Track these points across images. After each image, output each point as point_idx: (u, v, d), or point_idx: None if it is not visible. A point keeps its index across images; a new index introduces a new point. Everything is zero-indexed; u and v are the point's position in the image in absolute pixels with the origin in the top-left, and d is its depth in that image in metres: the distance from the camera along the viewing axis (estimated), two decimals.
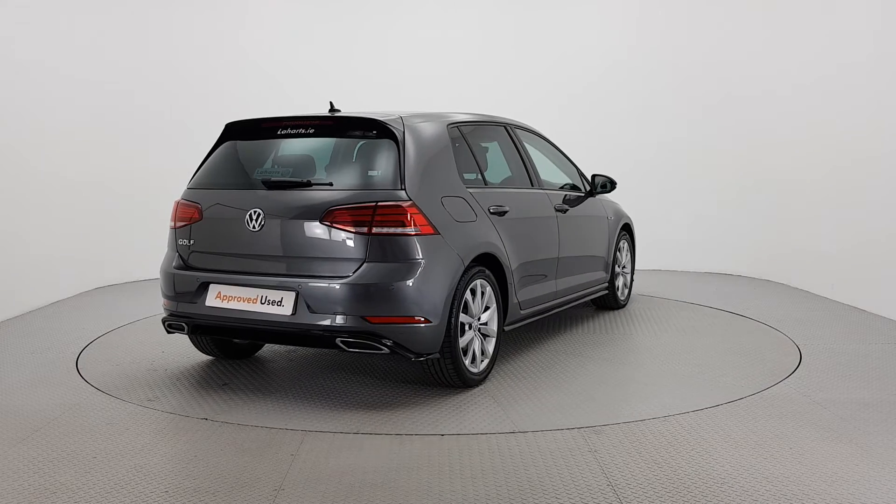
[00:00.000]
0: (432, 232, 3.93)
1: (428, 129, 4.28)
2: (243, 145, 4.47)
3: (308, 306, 3.82)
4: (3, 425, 3.67)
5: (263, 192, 4.08)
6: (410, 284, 3.81)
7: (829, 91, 6.99)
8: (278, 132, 4.30)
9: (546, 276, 5.06)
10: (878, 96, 6.27)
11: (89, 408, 3.94)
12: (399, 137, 4.04)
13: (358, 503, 2.82)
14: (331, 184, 4.02)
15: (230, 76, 8.50)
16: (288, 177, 4.16)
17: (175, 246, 4.35)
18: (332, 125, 4.29)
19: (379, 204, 3.84)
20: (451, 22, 8.96)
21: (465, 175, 4.46)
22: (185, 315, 4.21)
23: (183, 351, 5.04)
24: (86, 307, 6.70)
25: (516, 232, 4.64)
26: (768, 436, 3.46)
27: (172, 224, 4.38)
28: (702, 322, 5.96)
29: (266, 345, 5.12)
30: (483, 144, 5.02)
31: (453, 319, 3.98)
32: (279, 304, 3.89)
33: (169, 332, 4.34)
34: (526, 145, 5.34)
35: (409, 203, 3.87)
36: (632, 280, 6.74)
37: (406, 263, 3.83)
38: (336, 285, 3.78)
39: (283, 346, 5.15)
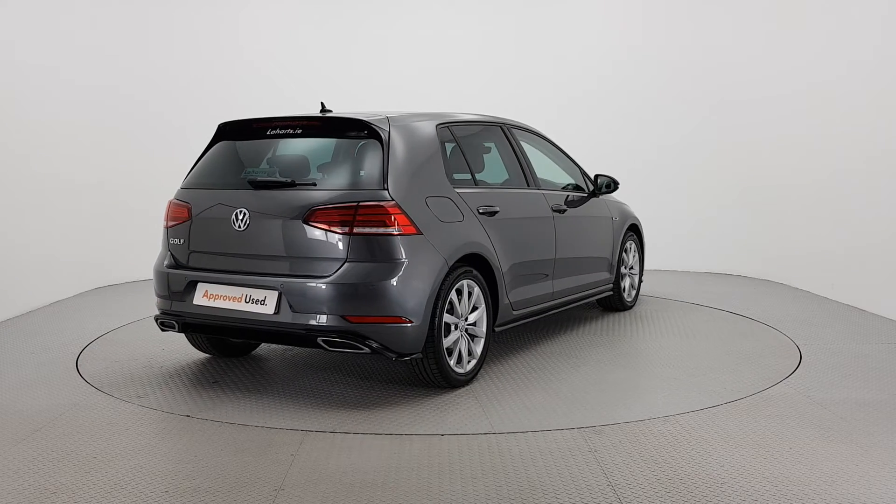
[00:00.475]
0: (415, 232, 3.92)
1: (415, 129, 4.29)
2: (234, 145, 4.51)
3: (290, 306, 3.85)
4: (3, 425, 3.67)
5: (249, 192, 4.12)
6: (391, 284, 3.81)
7: (830, 92, 6.99)
8: (268, 132, 4.34)
9: (542, 277, 5.04)
10: (878, 98, 6.28)
11: (89, 408, 3.94)
12: (384, 138, 4.05)
13: (358, 503, 2.82)
14: (314, 184, 4.05)
15: (230, 77, 8.49)
16: (273, 177, 4.22)
17: (167, 245, 4.41)
18: (320, 125, 4.31)
19: (360, 204, 3.85)
20: (451, 21, 8.96)
21: (455, 175, 4.47)
22: (176, 313, 4.26)
23: (183, 350, 5.04)
24: (86, 307, 6.70)
25: (507, 232, 4.62)
26: (768, 436, 3.46)
27: (165, 223, 4.44)
28: (702, 322, 5.96)
29: (262, 344, 5.12)
30: (476, 145, 5.02)
31: (437, 320, 3.97)
32: (262, 304, 3.92)
33: (163, 330, 4.39)
34: (524, 146, 5.32)
35: (391, 203, 3.88)
36: (640, 281, 6.66)
37: (387, 263, 3.83)
38: (317, 285, 3.81)
39: (281, 346, 5.15)
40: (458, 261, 4.16)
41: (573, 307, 5.89)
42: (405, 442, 3.43)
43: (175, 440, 3.49)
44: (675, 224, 8.61)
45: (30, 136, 6.68)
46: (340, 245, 3.83)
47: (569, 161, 5.84)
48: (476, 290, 4.31)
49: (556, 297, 5.25)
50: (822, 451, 3.28)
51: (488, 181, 4.90)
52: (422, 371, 4.10)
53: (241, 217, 4.04)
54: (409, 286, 3.85)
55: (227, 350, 4.88)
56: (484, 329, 4.38)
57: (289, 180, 4.09)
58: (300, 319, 3.84)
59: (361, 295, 3.80)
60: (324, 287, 3.80)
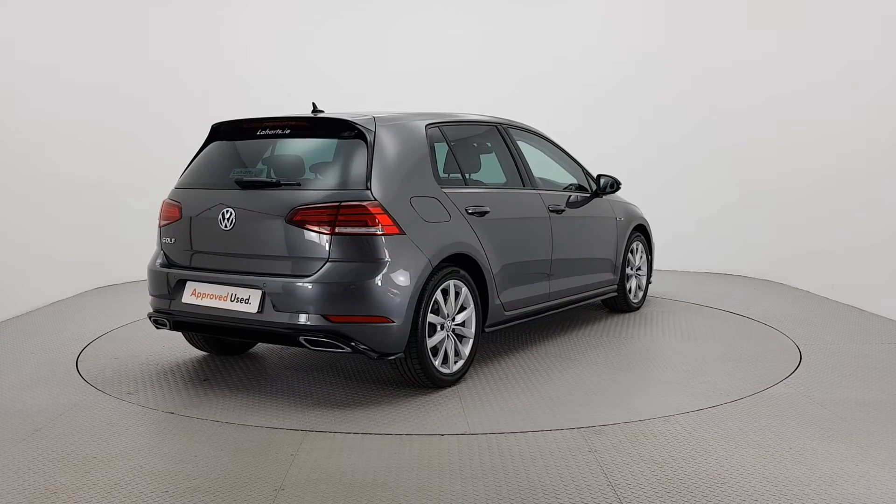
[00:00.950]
0: (397, 232, 3.93)
1: (402, 129, 4.30)
2: (225, 145, 4.55)
3: (273, 305, 3.88)
4: (3, 425, 3.67)
5: (236, 192, 4.15)
6: (372, 284, 3.82)
7: (829, 92, 6.99)
8: (258, 133, 4.37)
9: (537, 278, 5.02)
10: (878, 98, 6.28)
11: (89, 408, 3.94)
12: (369, 138, 4.07)
13: (358, 503, 2.82)
14: (299, 184, 4.07)
15: (230, 77, 8.50)
16: (260, 177, 4.27)
17: (160, 244, 4.47)
18: (308, 126, 4.33)
19: (342, 204, 3.87)
20: (451, 21, 8.96)
21: (444, 175, 4.47)
22: (167, 312, 4.31)
23: (183, 349, 5.04)
24: (86, 307, 6.70)
25: (498, 232, 4.61)
26: (768, 436, 3.46)
27: (158, 223, 4.49)
28: (702, 322, 5.96)
29: (259, 343, 5.13)
30: (469, 145, 5.02)
31: (420, 320, 3.98)
32: (247, 302, 3.96)
33: (157, 328, 4.45)
34: (523, 146, 5.31)
35: (374, 203, 3.89)
36: (648, 282, 6.59)
37: (368, 263, 3.84)
38: (299, 284, 3.83)
39: (279, 345, 5.15)
40: (445, 261, 4.17)
41: (575, 308, 5.89)
42: (405, 442, 3.43)
43: (175, 440, 3.49)
44: (675, 224, 8.61)
45: (30, 136, 6.68)
46: (322, 245, 3.85)
47: (571, 161, 5.82)
48: (464, 290, 4.30)
49: (553, 298, 5.23)
50: (822, 451, 3.28)
51: (484, 181, 4.90)
52: (406, 371, 4.11)
53: (227, 216, 4.08)
54: (391, 286, 3.86)
55: (224, 348, 4.92)
56: (473, 330, 4.37)
57: (274, 180, 4.13)
58: (283, 319, 3.86)
59: (342, 294, 3.81)
60: (305, 286, 3.82)
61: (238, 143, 4.54)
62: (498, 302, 4.60)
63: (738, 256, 8.43)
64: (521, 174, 5.07)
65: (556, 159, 5.76)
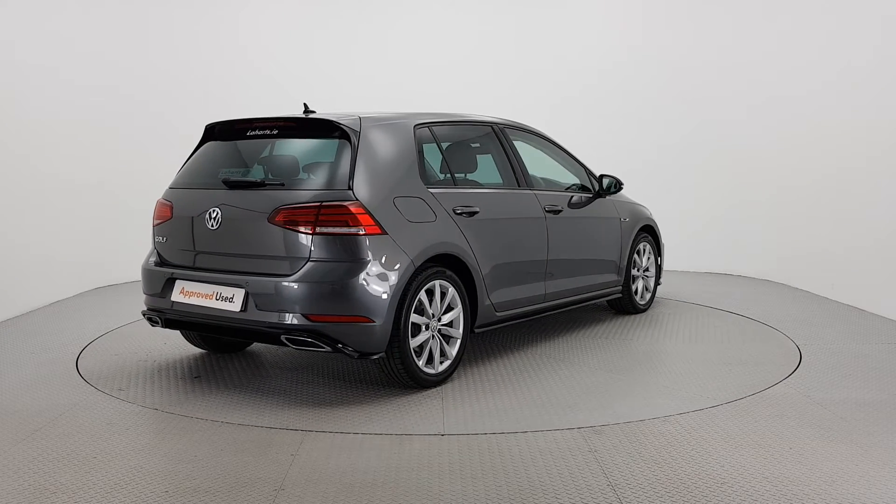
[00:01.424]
0: (379, 232, 3.93)
1: (388, 129, 4.31)
2: (218, 146, 4.59)
3: (256, 304, 3.91)
4: (3, 425, 3.67)
5: (223, 192, 4.19)
6: (352, 284, 3.83)
7: (829, 92, 6.99)
8: (248, 133, 4.41)
9: (532, 278, 5.00)
10: (878, 98, 6.28)
11: (89, 408, 3.94)
12: (353, 138, 4.09)
13: (358, 503, 2.82)
14: (283, 184, 4.09)
15: (230, 77, 8.49)
16: (246, 177, 4.31)
17: (154, 243, 4.53)
18: (295, 126, 4.35)
19: (323, 204, 3.88)
20: (452, 21, 8.95)
21: (432, 175, 4.47)
22: (158, 309, 4.37)
23: (183, 348, 5.05)
24: (86, 307, 6.70)
25: (489, 233, 4.60)
26: (768, 436, 3.46)
27: (153, 222, 4.55)
28: (702, 322, 5.96)
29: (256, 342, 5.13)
30: (461, 145, 5.01)
31: (402, 320, 3.98)
32: (231, 301, 3.99)
33: (152, 325, 4.50)
34: (522, 146, 5.29)
35: (355, 203, 3.90)
36: (656, 284, 6.51)
37: (349, 263, 3.85)
38: (280, 283, 3.85)
39: (276, 345, 5.15)
40: (431, 261, 4.17)
41: (579, 309, 5.87)
42: (405, 442, 3.43)
43: (175, 440, 3.49)
44: (675, 224, 8.59)
45: (30, 136, 6.68)
46: (304, 245, 3.87)
47: (574, 162, 5.79)
48: (451, 290, 4.30)
49: (549, 300, 5.19)
50: (822, 451, 3.28)
51: (478, 181, 4.89)
52: (388, 371, 4.12)
53: (213, 216, 4.13)
54: (372, 286, 3.86)
55: (221, 346, 4.96)
56: (461, 330, 4.37)
57: (259, 180, 4.17)
58: (265, 317, 3.88)
59: (323, 294, 3.83)
60: (286, 286, 3.84)
61: (230, 143, 4.58)
62: (488, 302, 4.59)
63: (739, 256, 8.43)
64: (516, 175, 5.04)
65: (558, 160, 5.73)
